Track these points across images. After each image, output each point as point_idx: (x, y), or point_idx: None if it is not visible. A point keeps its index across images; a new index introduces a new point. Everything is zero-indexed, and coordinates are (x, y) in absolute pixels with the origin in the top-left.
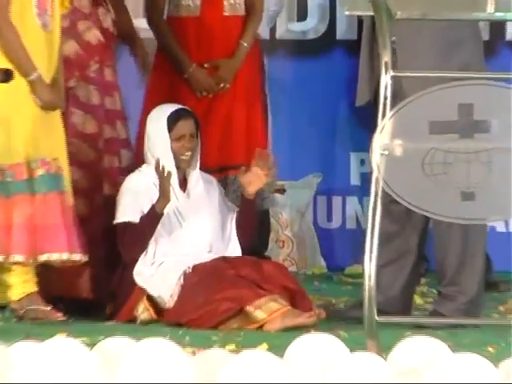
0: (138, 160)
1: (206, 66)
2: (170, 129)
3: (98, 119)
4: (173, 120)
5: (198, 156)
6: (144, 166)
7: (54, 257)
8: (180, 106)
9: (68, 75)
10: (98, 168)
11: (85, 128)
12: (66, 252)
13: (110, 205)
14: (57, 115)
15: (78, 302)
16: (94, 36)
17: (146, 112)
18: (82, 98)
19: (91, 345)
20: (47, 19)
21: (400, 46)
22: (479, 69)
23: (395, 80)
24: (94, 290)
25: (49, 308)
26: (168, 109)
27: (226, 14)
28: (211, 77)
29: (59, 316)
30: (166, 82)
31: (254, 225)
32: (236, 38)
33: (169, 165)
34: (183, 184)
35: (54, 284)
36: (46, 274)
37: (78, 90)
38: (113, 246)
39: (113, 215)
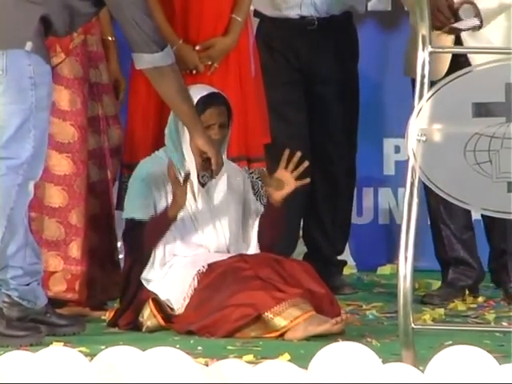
0: (128, 141)
1: (197, 48)
2: None
3: (81, 94)
4: (201, 106)
5: (226, 147)
6: (161, 150)
7: None
8: (212, 90)
9: (51, 51)
10: (82, 150)
11: (64, 105)
12: None
13: (98, 191)
14: None
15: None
16: None
17: (132, 92)
18: (62, 71)
19: (91, 355)
20: None
21: None
22: None
23: None
24: (81, 291)
25: None
26: (198, 92)
27: None
28: (200, 55)
29: None
30: None
31: (279, 234)
32: (227, 12)
33: (188, 158)
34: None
35: None
36: None
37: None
38: (101, 238)
39: (102, 203)
